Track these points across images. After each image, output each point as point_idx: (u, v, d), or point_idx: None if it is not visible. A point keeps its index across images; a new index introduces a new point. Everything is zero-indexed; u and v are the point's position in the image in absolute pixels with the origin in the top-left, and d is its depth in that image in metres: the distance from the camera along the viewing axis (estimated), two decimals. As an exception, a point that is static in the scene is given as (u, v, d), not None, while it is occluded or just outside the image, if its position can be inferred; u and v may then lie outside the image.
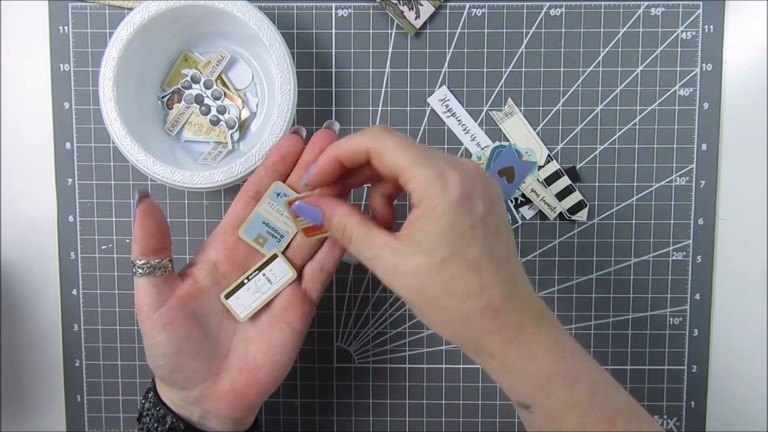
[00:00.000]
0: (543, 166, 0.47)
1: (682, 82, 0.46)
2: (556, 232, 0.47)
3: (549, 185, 0.47)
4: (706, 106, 0.46)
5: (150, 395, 0.38)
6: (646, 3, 0.46)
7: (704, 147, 0.47)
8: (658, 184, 0.47)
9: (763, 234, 0.47)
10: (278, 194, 0.37)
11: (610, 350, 0.48)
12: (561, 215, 0.47)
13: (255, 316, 0.37)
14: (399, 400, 0.49)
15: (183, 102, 0.46)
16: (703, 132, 0.46)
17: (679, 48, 0.46)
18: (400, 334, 0.48)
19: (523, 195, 0.47)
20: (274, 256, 0.37)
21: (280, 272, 0.37)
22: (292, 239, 0.38)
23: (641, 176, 0.47)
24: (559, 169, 0.47)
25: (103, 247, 0.48)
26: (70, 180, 0.47)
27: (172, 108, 0.46)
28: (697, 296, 0.48)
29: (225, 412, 0.36)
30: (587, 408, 0.31)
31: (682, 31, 0.46)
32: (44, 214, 0.48)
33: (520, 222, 0.47)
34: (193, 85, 0.45)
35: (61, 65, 0.46)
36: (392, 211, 0.35)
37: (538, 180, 0.47)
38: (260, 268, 0.37)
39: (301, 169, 0.38)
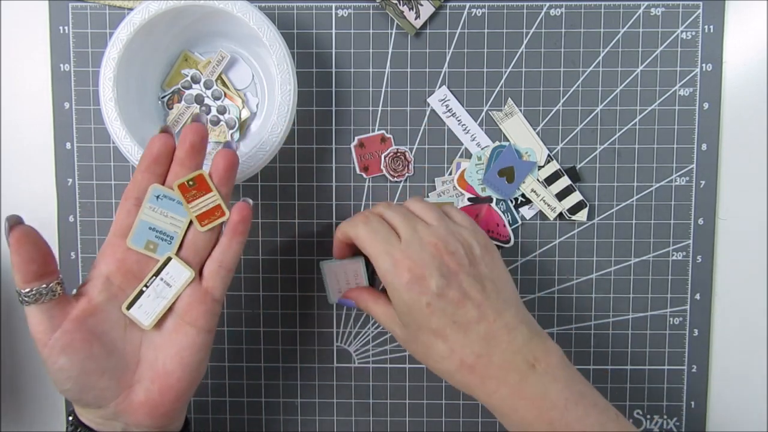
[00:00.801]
0: (543, 166, 0.47)
1: (682, 82, 0.46)
2: (556, 232, 0.47)
3: (549, 185, 0.47)
4: (706, 106, 0.46)
5: (71, 418, 0.37)
6: (646, 3, 0.46)
7: (704, 147, 0.47)
8: (658, 184, 0.47)
9: (763, 234, 0.47)
10: (158, 197, 0.36)
11: (610, 350, 0.48)
12: (561, 215, 0.47)
13: (160, 322, 0.36)
14: (399, 400, 0.49)
15: (183, 102, 0.46)
16: (703, 132, 0.46)
17: (679, 48, 0.46)
18: (400, 334, 0.48)
19: (523, 195, 0.47)
20: (169, 259, 0.36)
21: (177, 274, 0.36)
22: (182, 239, 0.37)
23: (641, 176, 0.47)
24: (559, 169, 0.47)
25: (103, 247, 0.48)
26: (70, 180, 0.47)
27: (172, 108, 0.46)
28: (697, 296, 0.48)
29: (145, 422, 0.36)
30: None
31: (682, 31, 0.46)
32: (44, 214, 0.48)
33: (520, 222, 0.47)
34: (194, 85, 0.45)
35: (62, 65, 0.46)
36: None
37: (538, 180, 0.47)
38: (157, 273, 0.36)
39: (178, 167, 0.36)
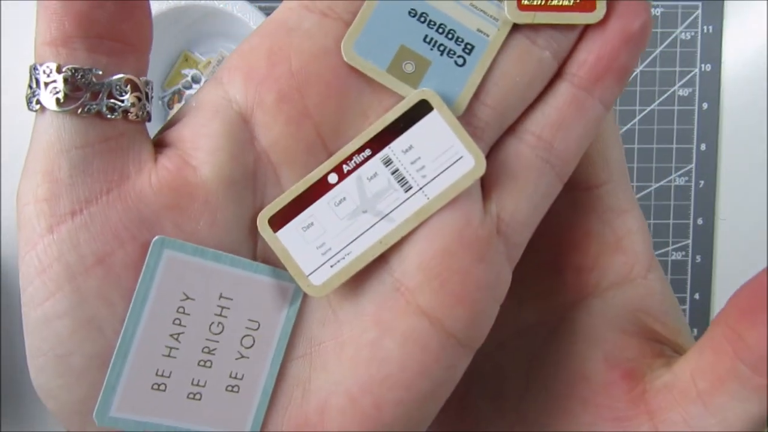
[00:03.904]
0: (543, 166, 0.47)
1: (682, 82, 0.46)
2: (556, 232, 0.47)
3: (549, 185, 0.47)
4: (705, 106, 0.46)
5: None
6: (646, 3, 0.46)
7: (703, 147, 0.47)
8: (657, 184, 0.47)
9: (763, 234, 0.47)
10: None
11: (609, 350, 0.48)
12: (561, 215, 0.47)
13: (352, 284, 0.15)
14: (399, 400, 0.49)
15: (183, 102, 0.46)
16: (703, 132, 0.47)
17: (678, 48, 0.46)
18: (399, 334, 0.48)
19: (522, 195, 0.47)
20: (425, 106, 0.14)
21: (443, 153, 0.14)
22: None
23: (641, 176, 0.47)
24: (559, 169, 0.47)
25: (104, 247, 0.48)
26: (71, 180, 0.47)
27: (172, 108, 0.46)
28: (697, 296, 0.48)
29: None
30: None
31: (681, 32, 0.46)
32: (44, 214, 0.48)
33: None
34: (194, 86, 0.45)
35: (62, 65, 0.46)
36: None
37: (537, 180, 0.47)
38: (381, 140, 0.14)
39: None
